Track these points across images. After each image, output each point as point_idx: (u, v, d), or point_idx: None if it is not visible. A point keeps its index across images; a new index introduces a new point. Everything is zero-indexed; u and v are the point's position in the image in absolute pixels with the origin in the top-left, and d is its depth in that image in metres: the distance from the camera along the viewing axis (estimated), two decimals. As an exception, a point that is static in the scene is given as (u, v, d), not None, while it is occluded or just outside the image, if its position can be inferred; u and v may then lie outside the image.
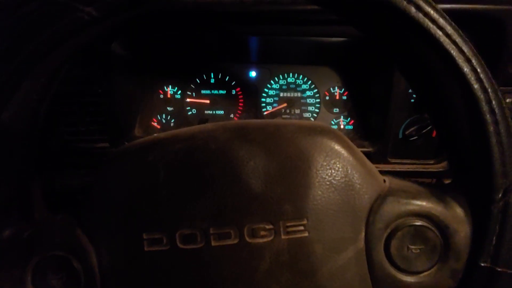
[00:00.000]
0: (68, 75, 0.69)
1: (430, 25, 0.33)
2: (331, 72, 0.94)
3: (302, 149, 0.37)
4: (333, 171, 0.37)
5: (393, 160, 0.83)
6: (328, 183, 0.37)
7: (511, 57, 0.67)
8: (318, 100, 0.95)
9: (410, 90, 0.77)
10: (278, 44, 0.87)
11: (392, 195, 0.38)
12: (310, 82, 0.95)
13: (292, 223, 0.36)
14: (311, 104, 0.95)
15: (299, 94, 0.95)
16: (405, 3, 0.33)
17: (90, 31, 0.36)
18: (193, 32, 0.83)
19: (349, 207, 0.37)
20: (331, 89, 0.95)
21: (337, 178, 0.37)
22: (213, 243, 0.35)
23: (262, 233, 0.35)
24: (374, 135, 0.85)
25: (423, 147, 0.82)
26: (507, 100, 0.71)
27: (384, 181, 0.40)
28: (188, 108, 0.96)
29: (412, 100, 0.78)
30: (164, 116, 0.96)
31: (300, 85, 0.95)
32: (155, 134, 0.41)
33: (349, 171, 0.38)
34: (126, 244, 0.37)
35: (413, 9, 0.33)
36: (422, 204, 0.37)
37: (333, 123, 0.95)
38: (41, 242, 0.37)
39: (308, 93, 0.95)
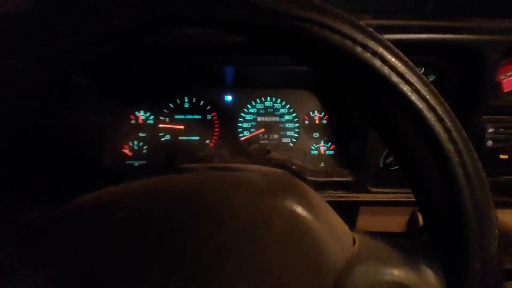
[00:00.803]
0: (27, 107, 0.65)
1: (395, 80, 0.29)
2: (310, 96, 0.91)
3: (259, 215, 0.33)
4: (295, 237, 0.33)
5: (374, 190, 0.80)
6: (289, 251, 0.33)
7: (492, 87, 0.64)
8: (297, 125, 0.91)
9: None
10: (254, 71, 0.84)
11: (361, 263, 0.34)
12: (288, 106, 0.91)
13: (249, 302, 0.32)
14: (290, 129, 0.92)
15: (277, 119, 0.92)
16: (368, 55, 0.29)
17: (25, 81, 0.32)
18: (163, 64, 0.79)
19: (315, 275, 0.33)
20: (311, 113, 0.91)
21: (299, 245, 0.33)
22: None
23: (214, 314, 0.31)
24: (354, 163, 0.82)
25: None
26: (490, 130, 0.68)
27: (354, 241, 0.37)
28: (161, 134, 0.92)
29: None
30: (136, 143, 0.91)
31: (278, 109, 0.92)
32: (102, 191, 0.36)
33: (314, 236, 0.34)
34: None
35: (378, 62, 0.29)
36: (393, 273, 0.33)
37: (313, 148, 0.91)
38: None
39: (286, 117, 0.92)
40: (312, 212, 0.34)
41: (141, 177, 0.38)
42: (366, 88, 0.31)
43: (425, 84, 0.30)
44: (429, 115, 0.29)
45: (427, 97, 0.30)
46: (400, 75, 0.30)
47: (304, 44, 0.30)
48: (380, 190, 0.80)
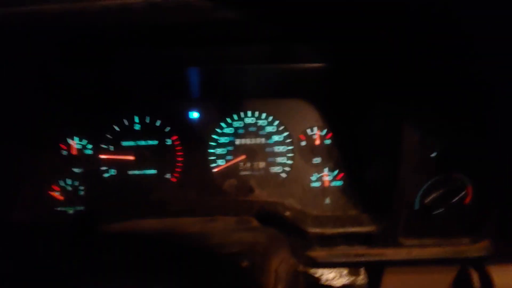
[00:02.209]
0: None
1: None
2: (306, 106, 0.66)
3: None
4: None
5: (408, 242, 0.55)
6: None
7: None
8: (290, 148, 0.66)
9: (430, 139, 0.49)
10: (229, 73, 0.59)
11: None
12: (277, 122, 0.66)
13: None
14: (280, 154, 0.66)
15: (262, 140, 0.66)
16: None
17: None
18: (101, 68, 0.55)
19: None
20: (308, 130, 0.66)
21: None
22: None
23: None
24: (376, 203, 0.56)
25: (451, 219, 0.54)
26: None
27: None
28: (104, 168, 0.66)
29: (435, 154, 0.49)
30: (69, 182, 0.66)
31: (263, 127, 0.66)
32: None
33: None
34: None
35: None
36: None
37: (314, 178, 0.66)
38: None
39: (275, 138, 0.66)
40: None
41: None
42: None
43: None
44: None
45: None
46: None
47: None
48: (416, 241, 0.55)
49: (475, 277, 0.57)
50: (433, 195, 0.51)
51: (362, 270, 0.66)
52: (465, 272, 0.58)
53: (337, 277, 0.68)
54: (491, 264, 0.55)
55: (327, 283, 0.58)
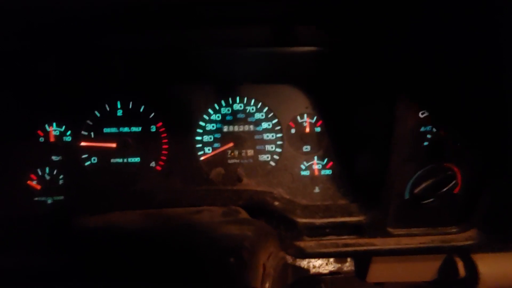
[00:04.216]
0: None
1: None
2: (296, 93, 0.64)
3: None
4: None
5: (397, 231, 0.55)
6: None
7: None
8: (279, 135, 0.64)
9: (423, 128, 0.48)
10: (218, 56, 0.56)
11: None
12: (266, 108, 0.64)
13: None
14: (269, 141, 0.64)
15: (251, 128, 0.64)
16: None
17: None
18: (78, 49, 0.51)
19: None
20: (298, 118, 0.64)
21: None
22: None
23: None
24: (365, 192, 0.56)
25: (440, 208, 0.54)
26: None
27: None
28: (85, 156, 0.63)
29: (426, 143, 0.49)
30: (47, 170, 0.63)
31: (252, 114, 0.64)
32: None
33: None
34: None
35: None
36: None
37: (303, 167, 0.64)
38: None
39: (264, 125, 0.64)
40: None
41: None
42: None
43: None
44: None
45: None
46: None
47: None
48: (405, 231, 0.54)
49: (461, 265, 0.57)
50: (424, 185, 0.51)
51: (349, 258, 0.67)
52: (451, 260, 0.58)
53: (323, 264, 0.68)
54: (477, 253, 0.56)
55: (315, 272, 0.57)
